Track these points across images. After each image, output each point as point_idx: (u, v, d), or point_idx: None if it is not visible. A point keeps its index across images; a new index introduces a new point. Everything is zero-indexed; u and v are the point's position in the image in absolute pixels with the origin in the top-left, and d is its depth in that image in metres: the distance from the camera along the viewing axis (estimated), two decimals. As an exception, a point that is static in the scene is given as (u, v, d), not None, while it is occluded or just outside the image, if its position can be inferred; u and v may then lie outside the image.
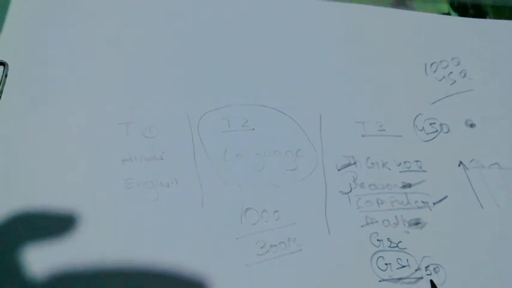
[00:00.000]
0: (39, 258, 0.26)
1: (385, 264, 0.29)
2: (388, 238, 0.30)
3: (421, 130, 0.33)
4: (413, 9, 0.38)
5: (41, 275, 0.26)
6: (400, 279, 0.29)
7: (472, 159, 0.33)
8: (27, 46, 0.31)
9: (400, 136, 0.33)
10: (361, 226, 0.30)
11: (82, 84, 0.31)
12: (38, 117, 0.29)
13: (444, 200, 0.32)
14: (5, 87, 0.30)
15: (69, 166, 0.29)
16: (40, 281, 0.26)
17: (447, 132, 0.34)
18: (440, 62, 0.36)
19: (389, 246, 0.30)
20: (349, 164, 0.32)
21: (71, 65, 0.31)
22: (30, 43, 0.31)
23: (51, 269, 0.26)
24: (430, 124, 0.34)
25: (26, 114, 0.29)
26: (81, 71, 0.31)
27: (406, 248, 0.30)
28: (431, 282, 0.28)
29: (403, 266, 0.29)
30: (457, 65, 0.36)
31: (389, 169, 0.32)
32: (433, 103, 0.34)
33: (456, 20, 0.38)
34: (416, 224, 0.31)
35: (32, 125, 0.29)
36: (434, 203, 0.31)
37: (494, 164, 0.33)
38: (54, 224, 0.27)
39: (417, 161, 0.32)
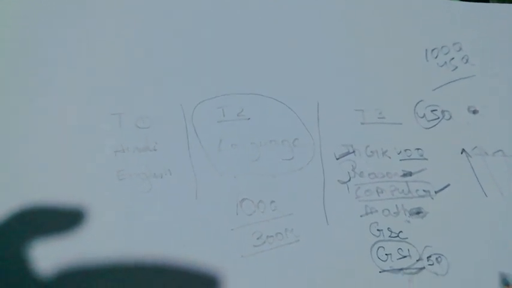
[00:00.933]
0: (31, 252, 0.26)
1: (386, 254, 0.29)
2: (388, 228, 0.29)
3: (422, 117, 0.33)
4: (413, -6, 0.37)
5: (32, 267, 0.26)
6: (401, 269, 0.28)
7: (475, 147, 0.32)
8: (19, 38, 0.31)
9: (401, 124, 0.32)
10: (361, 216, 0.29)
11: (74, 75, 0.30)
12: (30, 109, 0.29)
13: (446, 189, 0.31)
14: (-5, 79, 0.30)
15: (61, 158, 0.28)
16: (32, 273, 0.25)
17: (449, 119, 0.33)
18: (442, 47, 0.35)
19: (389, 236, 0.29)
20: (348, 153, 0.31)
21: (63, 56, 0.31)
22: (22, 34, 0.31)
23: (43, 262, 0.26)
24: (432, 111, 0.33)
25: (18, 106, 0.29)
26: (73, 62, 0.31)
27: (407, 238, 0.29)
28: None
29: (404, 256, 0.29)
30: (459, 50, 0.35)
31: (390, 157, 0.31)
32: (434, 89, 0.34)
33: (458, 4, 0.37)
34: (418, 213, 0.30)
35: (24, 117, 0.29)
36: (436, 192, 0.31)
37: (498, 151, 0.32)
38: (45, 217, 0.27)
39: (418, 149, 0.32)
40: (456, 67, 0.34)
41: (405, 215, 0.30)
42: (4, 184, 0.27)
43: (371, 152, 0.31)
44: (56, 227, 0.27)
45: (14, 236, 0.26)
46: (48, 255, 0.26)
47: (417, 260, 0.29)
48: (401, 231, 0.29)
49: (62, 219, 0.27)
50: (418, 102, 0.33)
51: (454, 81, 0.34)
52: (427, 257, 0.29)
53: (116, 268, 0.26)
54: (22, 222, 0.27)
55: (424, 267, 0.28)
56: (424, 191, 0.31)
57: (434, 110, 0.33)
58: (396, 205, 0.30)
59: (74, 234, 0.27)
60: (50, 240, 0.26)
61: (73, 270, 0.26)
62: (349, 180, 0.30)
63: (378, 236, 0.29)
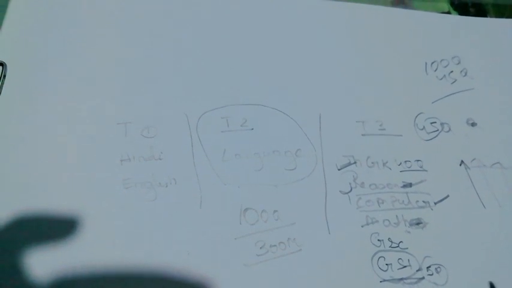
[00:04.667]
0: (37, 259, 0.26)
1: (386, 264, 0.29)
2: (389, 238, 0.30)
3: (422, 129, 0.33)
4: (412, 8, 0.38)
5: (38, 275, 0.26)
6: (401, 279, 0.29)
7: (474, 159, 0.33)
8: (25, 46, 0.31)
9: (401, 135, 0.33)
10: (362, 226, 0.30)
11: (81, 84, 0.31)
12: (37, 117, 0.29)
13: (445, 200, 0.31)
14: (3, 87, 0.30)
15: (67, 166, 0.28)
16: (37, 282, 0.26)
17: (448, 131, 0.33)
18: (441, 61, 0.36)
19: (390, 246, 0.30)
20: (349, 164, 0.31)
21: (70, 65, 0.31)
22: (29, 43, 0.31)
23: (48, 270, 0.26)
24: (431, 123, 0.33)
25: (24, 115, 0.29)
26: (79, 71, 0.31)
27: (407, 248, 0.30)
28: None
29: (404, 266, 0.29)
30: (458, 63, 0.36)
31: (390, 168, 0.32)
32: (433, 102, 0.34)
33: (456, 18, 0.38)
34: (418, 223, 0.30)
35: (31, 125, 0.29)
36: (435, 203, 0.31)
37: (496, 163, 0.33)
38: (52, 225, 0.27)
39: (418, 161, 0.32)
40: (455, 80, 0.35)
41: (405, 225, 0.30)
42: (9, 191, 0.27)
43: (372, 163, 0.32)
44: (60, 234, 0.27)
45: (17, 243, 0.26)
46: (52, 262, 0.26)
47: (417, 270, 0.29)
48: (401, 242, 0.30)
49: (67, 227, 0.27)
50: (417, 115, 0.34)
51: (453, 94, 0.35)
52: (427, 267, 0.29)
53: (119, 276, 0.26)
54: (26, 230, 0.27)
55: (423, 277, 0.29)
56: (423, 202, 0.31)
57: (433, 122, 0.34)
58: (396, 216, 0.30)
59: (79, 242, 0.27)
60: (54, 248, 0.27)
61: (77, 278, 0.26)
62: (351, 190, 0.31)
63: (378, 246, 0.29)
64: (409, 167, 0.32)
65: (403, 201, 0.31)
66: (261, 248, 0.28)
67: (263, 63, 0.33)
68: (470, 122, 0.34)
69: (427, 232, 0.30)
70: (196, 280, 0.27)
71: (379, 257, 0.29)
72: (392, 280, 0.29)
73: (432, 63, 0.35)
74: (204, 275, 0.27)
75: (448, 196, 0.31)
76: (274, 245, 0.28)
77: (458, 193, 0.32)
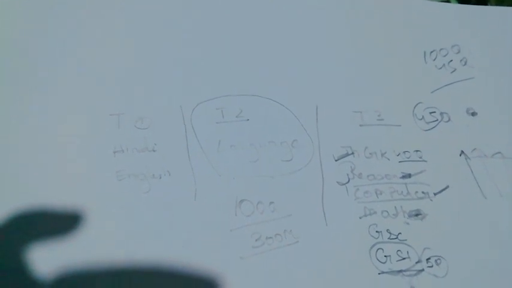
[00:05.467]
0: (32, 255, 0.26)
1: (385, 256, 0.29)
2: (387, 229, 0.29)
3: (421, 119, 0.33)
4: (411, -4, 0.37)
5: (33, 272, 0.25)
6: (400, 271, 0.28)
7: (474, 149, 0.32)
8: (17, 38, 0.31)
9: (399, 125, 0.32)
10: (360, 217, 0.29)
11: (72, 75, 0.30)
12: (28, 109, 0.29)
13: (445, 191, 0.31)
14: (-6, 79, 0.30)
15: (59, 158, 0.28)
16: (33, 278, 0.25)
17: (448, 121, 0.33)
18: (440, 50, 0.35)
19: (388, 238, 0.29)
20: (347, 154, 0.31)
21: (62, 56, 0.31)
22: (21, 35, 0.31)
23: (44, 265, 0.26)
24: (430, 113, 0.33)
25: (15, 107, 0.29)
26: (71, 62, 0.31)
27: (406, 240, 0.29)
28: None
29: (404, 258, 0.29)
30: (458, 52, 0.35)
31: (388, 159, 0.31)
32: (433, 92, 0.34)
33: (456, 7, 0.37)
34: (417, 215, 0.30)
35: (22, 117, 0.29)
36: (435, 194, 0.31)
37: (497, 153, 0.32)
38: (42, 219, 0.27)
39: (417, 151, 0.32)
40: (455, 69, 0.34)
41: (404, 216, 0.30)
42: (0, 186, 0.27)
43: (370, 153, 0.31)
44: (53, 228, 0.27)
45: (11, 239, 0.26)
46: (46, 257, 0.26)
47: (416, 262, 0.29)
48: (400, 233, 0.29)
49: (60, 221, 0.27)
50: (416, 104, 0.33)
51: (452, 83, 0.34)
52: (427, 259, 0.29)
53: (114, 269, 0.26)
54: (19, 224, 0.26)
55: (423, 269, 0.28)
56: (423, 192, 0.31)
57: (433, 112, 0.33)
58: (395, 207, 0.30)
59: (72, 236, 0.26)
60: (48, 242, 0.26)
61: (71, 272, 0.26)
62: (348, 181, 0.30)
63: (376, 238, 0.29)
64: (408, 158, 0.31)
65: (401, 192, 0.30)
66: (256, 240, 0.28)
67: (259, 53, 0.33)
68: (471, 111, 0.33)
69: (427, 223, 0.30)
70: (191, 272, 0.27)
71: (378, 249, 0.29)
72: (391, 272, 0.28)
73: (431, 52, 0.35)
74: (199, 267, 0.27)
75: (448, 187, 0.31)
76: (271, 237, 0.28)
77: (458, 183, 0.31)
